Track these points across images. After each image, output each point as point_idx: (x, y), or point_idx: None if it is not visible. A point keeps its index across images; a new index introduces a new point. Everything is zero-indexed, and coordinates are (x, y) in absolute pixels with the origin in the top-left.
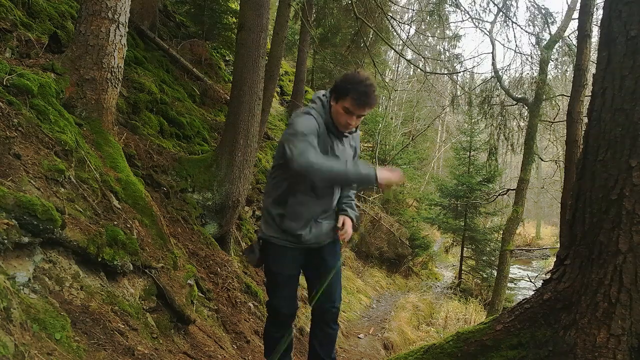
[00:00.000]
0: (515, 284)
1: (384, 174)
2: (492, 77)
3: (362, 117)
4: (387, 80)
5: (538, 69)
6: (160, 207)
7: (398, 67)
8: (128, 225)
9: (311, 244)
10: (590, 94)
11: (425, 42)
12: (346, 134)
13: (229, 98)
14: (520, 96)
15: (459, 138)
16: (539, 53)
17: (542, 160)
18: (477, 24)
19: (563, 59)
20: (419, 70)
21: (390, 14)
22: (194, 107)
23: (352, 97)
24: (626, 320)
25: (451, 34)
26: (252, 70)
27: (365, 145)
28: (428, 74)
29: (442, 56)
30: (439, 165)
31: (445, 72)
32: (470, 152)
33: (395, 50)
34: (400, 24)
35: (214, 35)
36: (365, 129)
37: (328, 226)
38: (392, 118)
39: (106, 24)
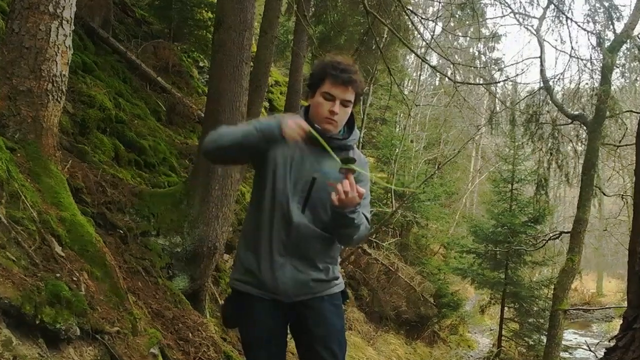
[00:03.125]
0: (570, 353)
1: (290, 125)
2: (540, 88)
3: (349, 108)
4: (406, 93)
5: (599, 77)
6: (115, 255)
7: (420, 75)
8: (74, 279)
9: (280, 294)
10: None
11: (455, 43)
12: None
13: (203, 115)
14: (576, 113)
15: (498, 166)
16: (601, 57)
17: (604, 194)
18: (521, 20)
19: (632, 64)
20: (446, 79)
21: (410, 8)
22: (159, 126)
23: (329, 75)
24: None
25: (488, 34)
26: (233, 80)
27: (378, 176)
28: (459, 84)
29: (477, 62)
30: (473, 201)
31: (481, 81)
32: (512, 184)
33: (416, 54)
34: (423, 21)
35: (184, 35)
36: (379, 155)
37: (306, 276)
38: (412, 141)
39: (46, 20)
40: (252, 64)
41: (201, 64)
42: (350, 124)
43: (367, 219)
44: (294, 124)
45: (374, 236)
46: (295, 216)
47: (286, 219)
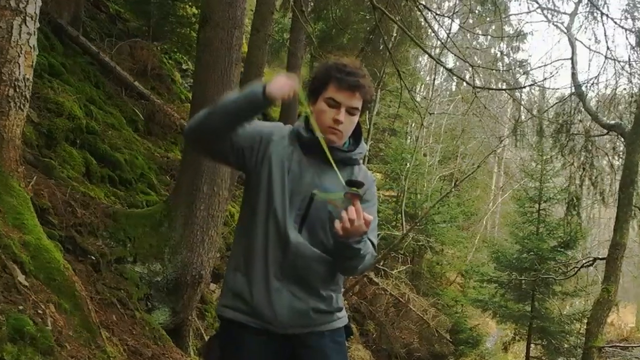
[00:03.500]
0: None
1: (276, 82)
2: (571, 94)
3: (356, 116)
4: (418, 100)
5: (639, 82)
6: (86, 285)
7: (435, 79)
8: (39, 311)
9: (274, 323)
10: None
11: (475, 43)
12: (346, 170)
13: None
14: (613, 122)
15: (524, 183)
16: None
17: None
18: (550, 16)
19: None
20: (464, 84)
21: (423, 2)
22: (136, 138)
23: (334, 79)
24: None
25: (512, 32)
26: (220, 84)
27: (386, 194)
28: (478, 89)
29: (499, 64)
30: (494, 223)
31: (504, 86)
32: (540, 204)
33: (430, 55)
34: (437, 17)
35: (164, 34)
36: (387, 170)
37: (305, 305)
38: (425, 154)
39: (7, 16)
40: (242, 66)
41: (184, 67)
42: (356, 135)
43: (373, 245)
44: (280, 81)
45: (381, 263)
46: (293, 234)
47: (282, 236)
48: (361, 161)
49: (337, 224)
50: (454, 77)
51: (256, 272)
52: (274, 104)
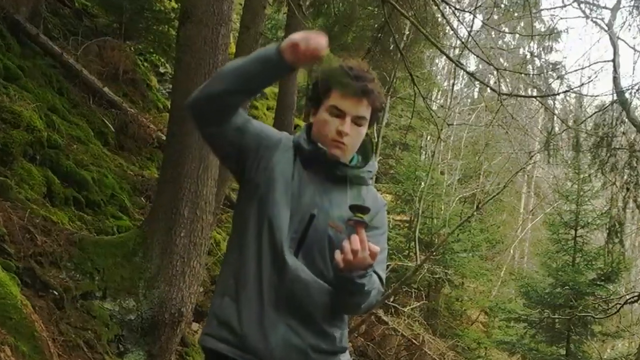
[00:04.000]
0: None
1: (293, 37)
2: (613, 101)
3: (363, 127)
4: (434, 109)
5: None
6: (48, 324)
7: (453, 85)
8: None
9: (266, 359)
10: None
11: (500, 42)
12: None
13: (164, 138)
14: None
15: (558, 206)
16: None
17: None
18: (588, 11)
19: None
20: (488, 90)
21: None
22: (106, 153)
23: (339, 84)
24: None
25: (544, 29)
26: None
27: (397, 219)
28: (505, 96)
29: (529, 67)
30: (523, 252)
31: (534, 93)
32: (576, 230)
33: (448, 57)
34: (457, 13)
35: (139, 31)
36: (398, 190)
37: (303, 342)
38: (443, 172)
39: None
40: None
41: (162, 70)
42: (365, 151)
43: (381, 279)
44: (298, 36)
45: (391, 299)
46: (290, 258)
47: (278, 257)
48: (370, 181)
49: (338, 255)
50: (476, 83)
51: (248, 297)
52: (292, 66)
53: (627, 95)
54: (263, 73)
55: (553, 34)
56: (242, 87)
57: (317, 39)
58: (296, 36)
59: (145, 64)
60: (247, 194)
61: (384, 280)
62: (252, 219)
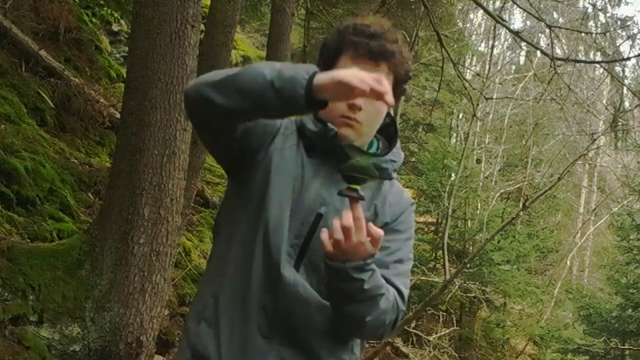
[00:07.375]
0: None
1: (330, 75)
2: None
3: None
4: (468, 78)
5: None
6: None
7: (493, 48)
8: None
9: None
10: None
11: None
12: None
13: (118, 116)
14: None
15: (627, 204)
16: None
17: None
18: None
19: None
20: (539, 54)
21: None
22: (42, 135)
23: (349, 44)
24: None
25: None
26: (169, 55)
27: (420, 221)
28: (560, 62)
29: (590, 24)
30: (583, 264)
31: (598, 58)
32: None
33: (486, 11)
34: None
35: None
36: (421, 184)
37: None
38: (479, 161)
39: None
40: (203, 27)
41: (116, 28)
42: (389, 134)
43: (402, 295)
44: (348, 73)
45: (413, 324)
46: (288, 271)
47: (272, 270)
48: (395, 174)
49: (324, 235)
50: (523, 44)
51: (230, 322)
52: (320, 108)
53: None
54: (284, 109)
55: None
56: (256, 113)
57: (377, 83)
58: (345, 75)
59: (94, 19)
60: (236, 190)
61: (405, 297)
62: (241, 221)
